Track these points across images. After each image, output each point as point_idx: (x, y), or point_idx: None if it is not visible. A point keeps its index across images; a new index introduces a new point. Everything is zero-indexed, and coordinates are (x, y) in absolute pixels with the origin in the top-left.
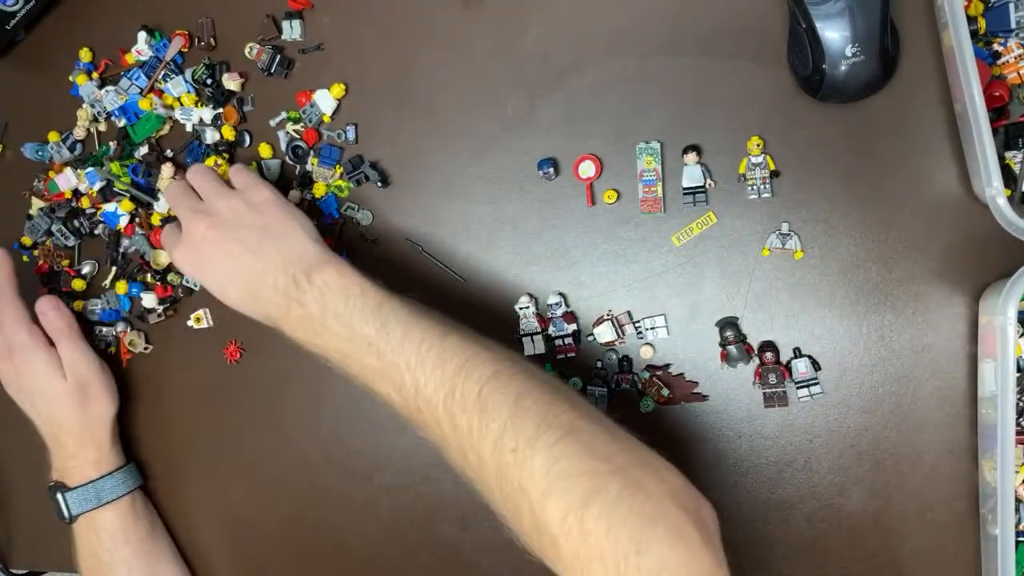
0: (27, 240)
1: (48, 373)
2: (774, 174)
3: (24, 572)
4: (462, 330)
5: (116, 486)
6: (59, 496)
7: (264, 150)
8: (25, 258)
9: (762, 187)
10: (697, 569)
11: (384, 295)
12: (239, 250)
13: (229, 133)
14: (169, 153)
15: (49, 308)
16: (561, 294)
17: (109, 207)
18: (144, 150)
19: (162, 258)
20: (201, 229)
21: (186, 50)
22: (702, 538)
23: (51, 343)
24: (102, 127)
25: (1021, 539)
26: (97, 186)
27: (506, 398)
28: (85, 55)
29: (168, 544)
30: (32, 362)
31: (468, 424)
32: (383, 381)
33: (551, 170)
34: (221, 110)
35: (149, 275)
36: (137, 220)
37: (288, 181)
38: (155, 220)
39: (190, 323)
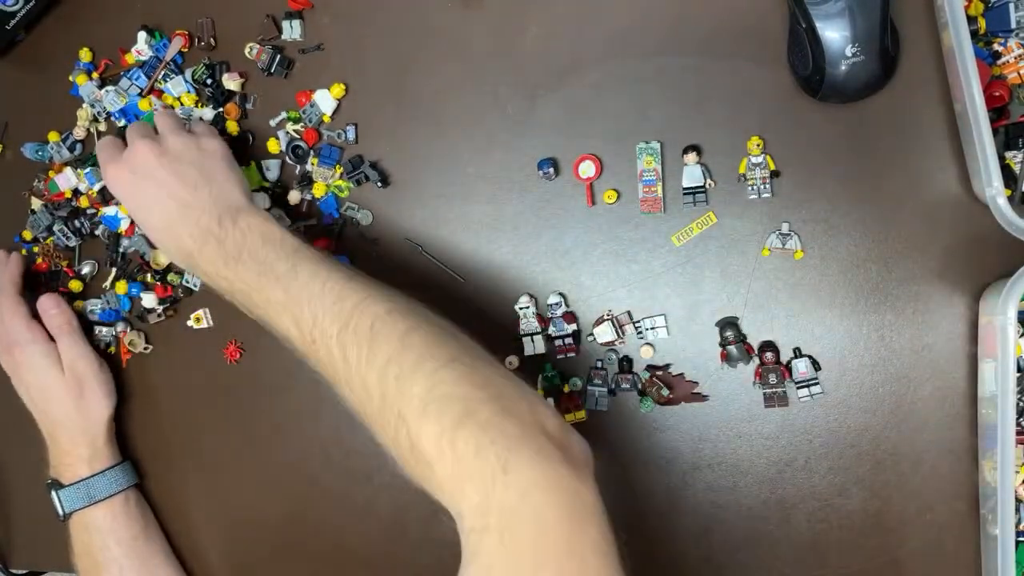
0: (28, 234)
1: (46, 367)
2: (774, 174)
3: (24, 572)
4: (366, 276)
5: (108, 484)
6: (53, 493)
7: (272, 145)
8: (24, 251)
9: (762, 187)
10: (561, 485)
11: (301, 243)
12: (175, 183)
13: (233, 128)
14: None
15: (51, 305)
16: (561, 294)
17: (110, 210)
18: None
19: (162, 258)
20: (144, 152)
21: (186, 50)
22: (565, 458)
23: (52, 340)
24: (102, 127)
25: (1021, 539)
26: (97, 186)
27: (395, 331)
28: (85, 55)
29: (162, 544)
30: (32, 356)
31: (358, 355)
32: (284, 314)
33: (551, 170)
34: (222, 109)
35: (149, 275)
36: None
37: (288, 181)
38: None
39: (190, 323)
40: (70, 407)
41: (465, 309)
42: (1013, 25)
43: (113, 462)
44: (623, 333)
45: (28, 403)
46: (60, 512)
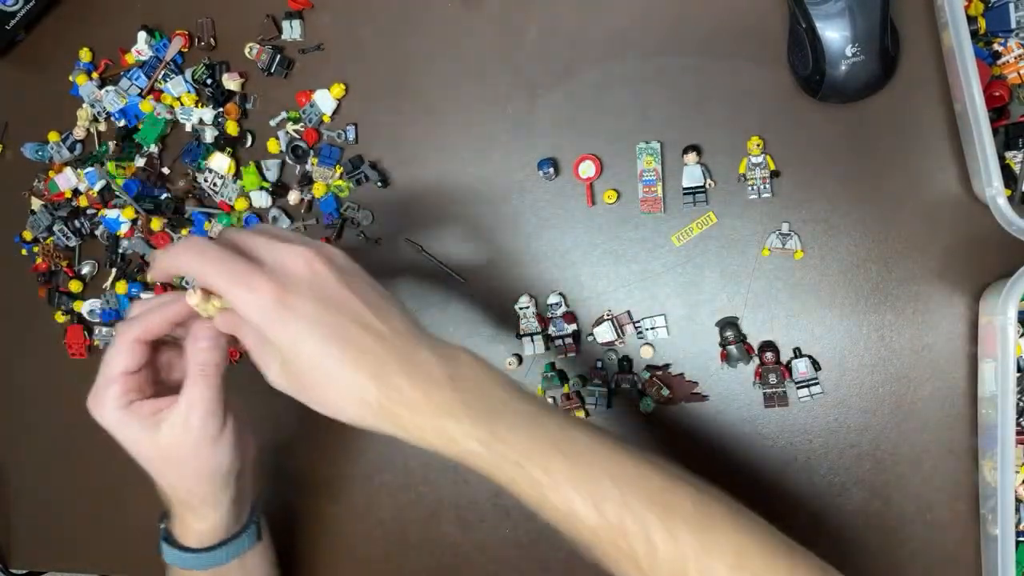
0: (28, 235)
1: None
2: (774, 174)
3: (24, 572)
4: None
5: (232, 551)
6: (164, 544)
7: (272, 145)
8: (24, 251)
9: (762, 187)
10: None
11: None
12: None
13: (233, 128)
14: (166, 171)
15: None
16: (561, 294)
17: (111, 213)
18: (142, 162)
19: None
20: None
21: (186, 50)
22: None
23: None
24: (102, 127)
25: (1021, 539)
26: (97, 186)
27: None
28: (85, 55)
29: None
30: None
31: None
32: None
33: (551, 170)
34: (222, 109)
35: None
36: (138, 224)
37: (288, 181)
38: (155, 226)
39: None
40: (164, 471)
41: (465, 309)
42: (1013, 25)
43: (241, 526)
44: (623, 333)
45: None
46: (178, 565)
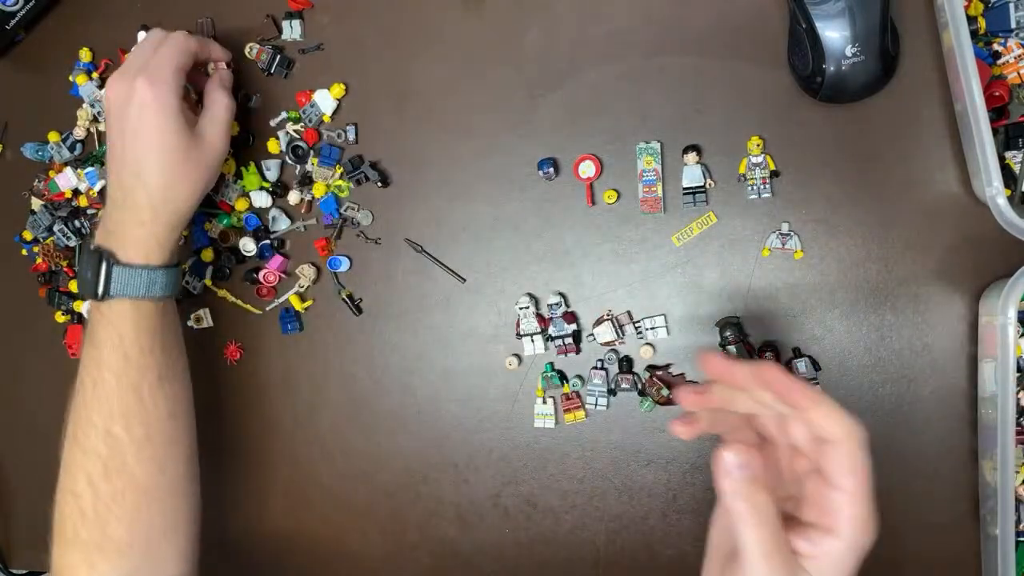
0: (28, 235)
1: (173, 112)
2: (774, 174)
3: (24, 572)
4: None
5: (170, 282)
6: (102, 265)
7: (272, 145)
8: (24, 251)
9: (762, 187)
10: None
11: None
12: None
13: (233, 128)
14: None
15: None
16: (561, 294)
17: None
18: None
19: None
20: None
21: None
22: None
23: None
24: (102, 127)
25: (1021, 539)
26: (97, 186)
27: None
28: (85, 55)
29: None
30: (161, 95)
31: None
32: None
33: (551, 170)
34: None
35: None
36: None
37: (288, 181)
38: None
39: (190, 323)
40: (177, 170)
41: (465, 309)
42: (1013, 25)
43: (177, 259)
44: (623, 333)
45: (117, 150)
46: (99, 291)
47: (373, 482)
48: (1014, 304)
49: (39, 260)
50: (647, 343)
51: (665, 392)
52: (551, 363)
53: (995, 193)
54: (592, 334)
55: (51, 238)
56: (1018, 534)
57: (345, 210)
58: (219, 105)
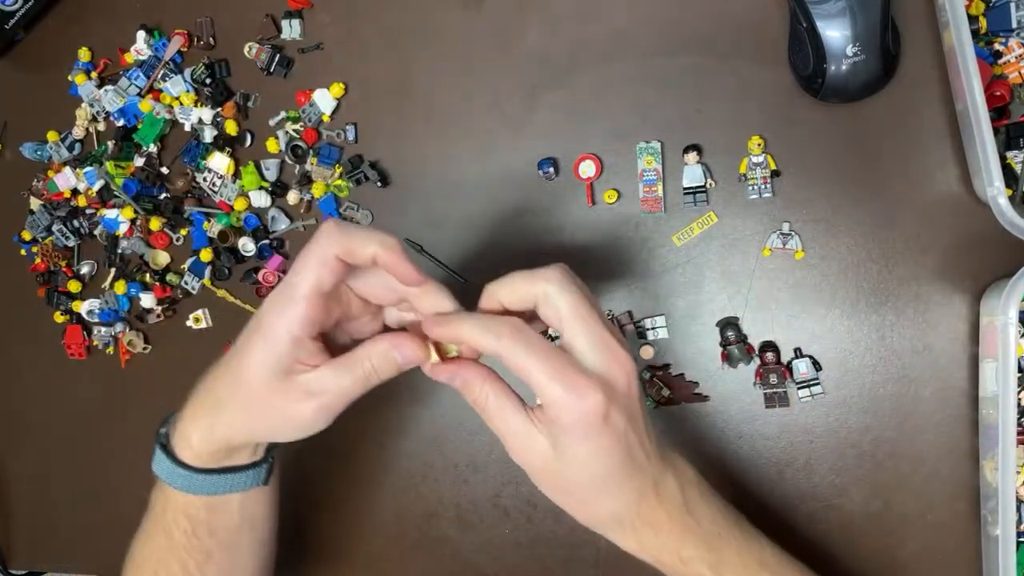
0: (27, 235)
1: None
2: (775, 174)
3: (24, 572)
4: None
5: (244, 480)
6: (169, 464)
7: (272, 145)
8: (23, 251)
9: (763, 187)
10: None
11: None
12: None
13: (232, 128)
14: (165, 171)
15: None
16: None
17: (110, 213)
18: (140, 162)
19: (160, 258)
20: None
21: (185, 49)
22: None
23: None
24: (101, 127)
25: (1022, 540)
26: (96, 186)
27: None
28: (84, 55)
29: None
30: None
31: None
32: None
33: (551, 170)
34: (221, 109)
35: (148, 275)
36: (137, 224)
37: (288, 181)
38: (154, 225)
39: (189, 323)
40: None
41: (465, 309)
42: (1014, 24)
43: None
44: (623, 333)
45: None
46: (167, 481)
47: (373, 482)
48: (1015, 304)
49: (38, 260)
50: (647, 343)
51: (665, 392)
52: None
53: (996, 193)
54: None
55: (50, 238)
56: (1019, 534)
57: (344, 210)
58: (348, 379)
